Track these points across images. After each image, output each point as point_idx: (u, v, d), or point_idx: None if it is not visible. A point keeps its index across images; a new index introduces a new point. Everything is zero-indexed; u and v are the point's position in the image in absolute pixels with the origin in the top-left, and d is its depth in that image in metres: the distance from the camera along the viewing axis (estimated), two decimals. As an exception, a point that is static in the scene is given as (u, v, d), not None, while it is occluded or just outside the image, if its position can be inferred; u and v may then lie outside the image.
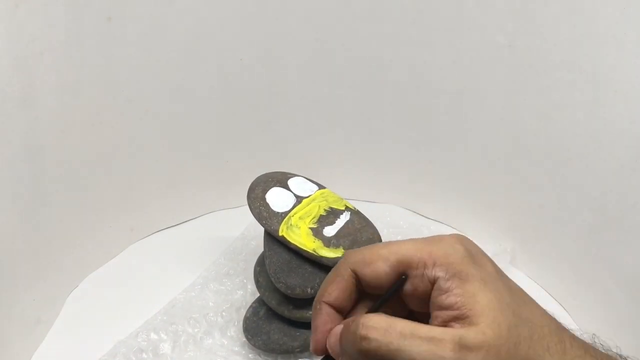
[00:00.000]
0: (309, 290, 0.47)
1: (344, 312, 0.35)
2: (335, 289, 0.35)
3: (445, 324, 0.31)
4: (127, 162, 0.59)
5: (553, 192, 0.57)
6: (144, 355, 0.51)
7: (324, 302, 0.35)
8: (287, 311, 0.49)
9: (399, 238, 0.64)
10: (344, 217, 0.49)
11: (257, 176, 0.52)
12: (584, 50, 0.50)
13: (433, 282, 0.32)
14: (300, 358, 0.52)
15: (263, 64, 0.61)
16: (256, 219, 0.49)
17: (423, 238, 0.34)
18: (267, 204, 0.49)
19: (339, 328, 0.33)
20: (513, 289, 0.33)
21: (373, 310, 0.33)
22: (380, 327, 0.31)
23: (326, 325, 0.34)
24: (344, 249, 0.47)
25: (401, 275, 0.33)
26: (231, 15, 0.57)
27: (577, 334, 0.33)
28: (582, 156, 0.53)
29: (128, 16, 0.53)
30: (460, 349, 0.30)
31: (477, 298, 0.31)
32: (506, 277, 0.33)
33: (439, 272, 0.32)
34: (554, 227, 0.58)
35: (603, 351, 0.34)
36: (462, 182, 0.64)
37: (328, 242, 0.47)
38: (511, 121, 0.58)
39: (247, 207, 0.50)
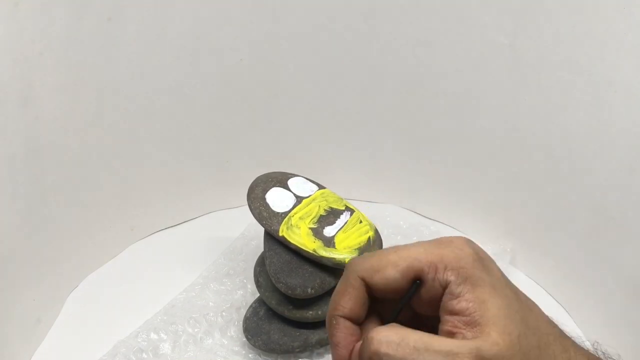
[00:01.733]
0: (309, 290, 0.47)
1: (360, 321, 0.34)
2: (347, 300, 0.34)
3: (455, 329, 0.30)
4: (127, 162, 0.59)
5: (553, 192, 0.57)
6: (144, 355, 0.51)
7: (339, 316, 0.34)
8: (287, 311, 0.49)
9: (399, 238, 0.65)
10: (344, 217, 0.49)
11: (257, 176, 0.52)
12: (584, 50, 0.50)
13: (444, 286, 0.31)
14: (300, 358, 0.52)
15: (263, 64, 0.61)
16: (256, 219, 0.49)
17: (430, 241, 0.33)
18: (267, 204, 0.49)
19: (359, 345, 0.32)
20: (519, 295, 0.32)
21: (389, 321, 0.33)
22: (392, 341, 0.30)
23: (347, 340, 0.34)
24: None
25: (414, 281, 0.32)
26: (231, 15, 0.57)
27: (579, 340, 0.33)
28: (582, 156, 0.53)
29: (128, 16, 0.53)
30: None
31: (488, 305, 0.30)
32: (511, 283, 0.33)
33: (450, 277, 0.31)
34: (554, 227, 0.58)
35: (604, 359, 0.33)
36: (462, 182, 0.64)
37: (328, 242, 0.47)
38: (511, 121, 0.58)
39: (247, 207, 0.50)
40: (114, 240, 0.62)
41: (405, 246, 0.33)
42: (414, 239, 0.64)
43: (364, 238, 0.48)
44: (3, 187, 0.47)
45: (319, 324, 0.50)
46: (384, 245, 0.48)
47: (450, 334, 0.30)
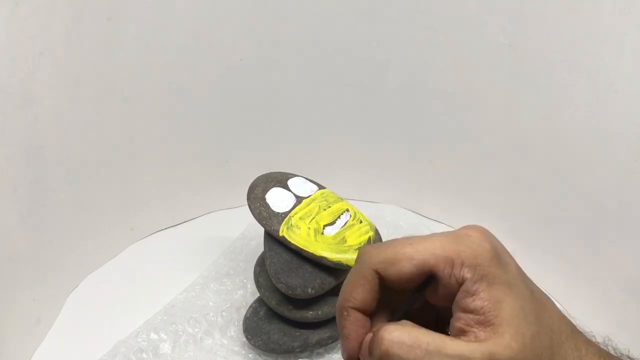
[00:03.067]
0: (309, 290, 0.47)
1: (371, 312, 0.33)
2: (359, 292, 0.33)
3: (467, 327, 0.30)
4: (127, 161, 0.59)
5: (553, 192, 0.57)
6: (144, 355, 0.51)
7: (350, 307, 0.33)
8: (287, 311, 0.49)
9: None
10: (344, 217, 0.49)
11: (257, 176, 0.52)
12: (584, 50, 0.50)
13: (460, 283, 0.31)
14: (300, 358, 0.52)
15: (263, 64, 0.61)
16: (256, 219, 0.49)
17: (447, 234, 0.32)
18: (267, 204, 0.49)
19: (369, 337, 0.32)
20: (534, 292, 0.32)
21: (398, 317, 0.32)
22: (404, 342, 0.29)
23: (357, 332, 0.33)
24: (344, 249, 0.47)
25: (428, 275, 0.31)
26: (231, 15, 0.57)
27: (590, 335, 0.33)
28: (582, 156, 0.53)
29: (128, 16, 0.53)
30: None
31: (503, 305, 0.30)
32: (527, 278, 0.32)
33: (467, 274, 0.31)
34: (554, 227, 0.58)
35: (615, 355, 0.33)
36: (462, 182, 0.64)
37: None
38: (511, 121, 0.58)
39: (247, 207, 0.50)
40: (114, 240, 0.62)
41: (422, 238, 0.32)
42: (414, 239, 0.64)
43: (364, 238, 0.48)
44: (3, 187, 0.47)
45: (319, 324, 0.50)
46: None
47: (463, 332, 0.30)
